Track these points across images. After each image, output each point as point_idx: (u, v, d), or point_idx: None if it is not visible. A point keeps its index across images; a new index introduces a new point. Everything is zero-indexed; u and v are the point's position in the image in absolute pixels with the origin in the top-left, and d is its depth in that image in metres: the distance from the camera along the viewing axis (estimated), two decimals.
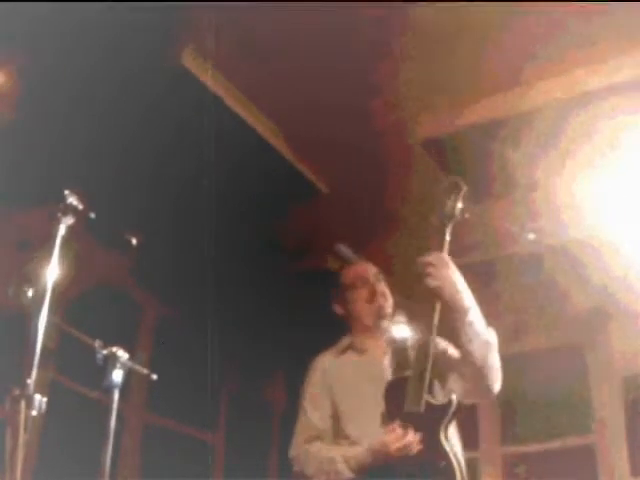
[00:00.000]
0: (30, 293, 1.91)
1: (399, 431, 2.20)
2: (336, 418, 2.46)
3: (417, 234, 2.48)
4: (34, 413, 1.81)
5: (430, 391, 2.27)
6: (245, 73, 3.55)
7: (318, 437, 2.44)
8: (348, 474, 2.29)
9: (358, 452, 2.30)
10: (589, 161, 3.83)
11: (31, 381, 1.82)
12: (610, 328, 4.93)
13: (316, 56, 3.42)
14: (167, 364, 3.24)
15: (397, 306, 2.64)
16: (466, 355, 2.30)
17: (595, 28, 3.22)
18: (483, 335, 2.31)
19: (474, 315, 2.31)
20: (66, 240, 1.99)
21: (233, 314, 4.26)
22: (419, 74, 3.56)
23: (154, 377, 2.22)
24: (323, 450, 2.39)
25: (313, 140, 3.95)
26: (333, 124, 3.80)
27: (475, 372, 2.30)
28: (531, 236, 4.50)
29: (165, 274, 4.33)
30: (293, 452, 2.49)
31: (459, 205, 2.40)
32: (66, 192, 2.02)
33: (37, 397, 1.82)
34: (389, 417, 2.29)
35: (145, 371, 2.18)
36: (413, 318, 2.46)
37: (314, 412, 2.50)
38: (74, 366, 3.37)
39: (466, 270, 2.39)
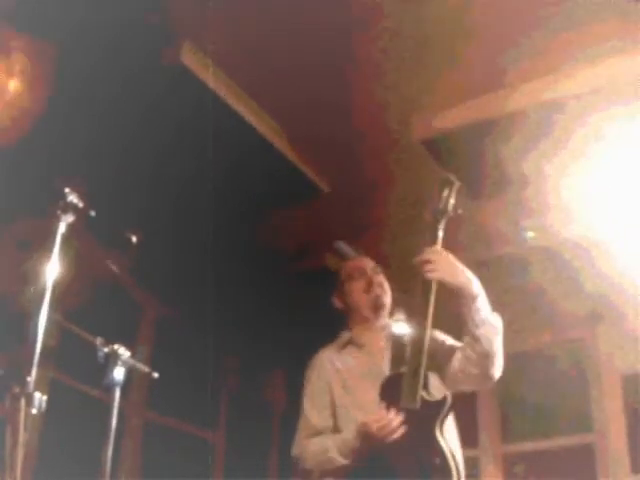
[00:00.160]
0: (31, 291, 1.91)
1: (381, 412, 2.21)
2: (335, 414, 2.47)
3: (415, 231, 2.49)
4: (34, 411, 1.82)
5: (425, 387, 2.28)
6: (245, 71, 3.55)
7: (318, 434, 2.45)
8: (341, 461, 2.30)
9: (346, 437, 2.32)
10: (583, 161, 3.85)
11: (31, 379, 1.82)
12: (609, 326, 4.93)
13: (316, 55, 3.42)
14: (168, 363, 3.24)
15: (395, 302, 2.66)
16: (474, 340, 2.32)
17: (583, 27, 3.25)
18: (490, 320, 2.34)
19: (482, 301, 2.34)
20: (66, 238, 1.99)
21: (233, 313, 4.26)
22: (419, 74, 3.57)
23: (155, 375, 2.23)
24: (318, 442, 2.40)
25: (313, 139, 3.95)
26: (333, 123, 3.80)
27: (481, 357, 2.33)
28: (523, 235, 4.52)
29: (165, 273, 4.33)
30: (295, 450, 2.50)
31: (452, 201, 2.41)
32: (66, 190, 2.02)
33: (37, 395, 1.83)
34: None
35: (146, 369, 2.19)
36: (411, 313, 2.47)
37: (313, 410, 2.51)
38: (75, 364, 3.37)
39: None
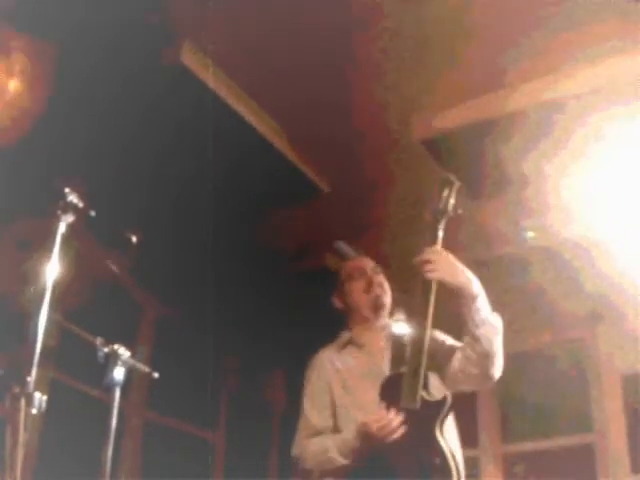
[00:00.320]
0: (31, 291, 1.91)
1: (381, 412, 2.21)
2: (335, 414, 2.47)
3: (415, 231, 2.49)
4: (34, 411, 1.81)
5: (425, 387, 2.28)
6: (245, 71, 3.55)
7: (318, 434, 2.45)
8: (341, 461, 2.30)
9: (346, 437, 2.32)
10: (583, 161, 3.85)
11: (31, 379, 1.82)
12: (609, 326, 4.94)
13: (316, 55, 3.42)
14: (168, 363, 3.24)
15: (396, 303, 2.65)
16: (474, 340, 2.32)
17: (583, 27, 3.25)
18: (490, 320, 2.34)
19: (482, 301, 2.34)
20: (66, 238, 1.99)
21: (233, 313, 4.26)
22: (419, 74, 3.57)
23: (155, 375, 2.23)
24: (318, 442, 2.40)
25: (313, 139, 3.95)
26: (333, 123, 3.80)
27: (481, 357, 2.33)
28: (523, 235, 4.52)
29: (165, 273, 4.33)
30: (295, 450, 2.50)
31: (452, 201, 2.41)
32: (66, 190, 2.02)
33: (37, 395, 1.82)
34: None
35: (146, 369, 2.19)
36: (411, 313, 2.47)
37: (313, 410, 2.51)
38: (75, 364, 3.37)
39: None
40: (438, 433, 2.24)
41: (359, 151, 4.04)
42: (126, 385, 2.09)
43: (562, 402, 5.08)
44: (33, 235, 2.88)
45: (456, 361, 2.39)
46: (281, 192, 4.25)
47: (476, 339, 2.32)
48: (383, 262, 2.73)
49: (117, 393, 2.06)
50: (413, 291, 2.36)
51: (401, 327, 2.58)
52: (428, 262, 2.32)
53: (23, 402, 1.80)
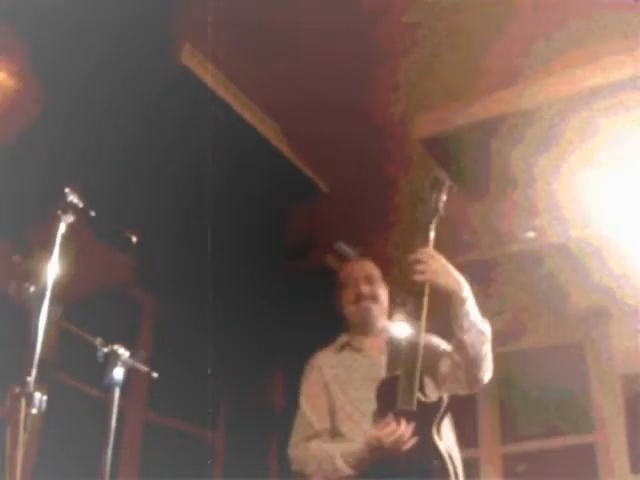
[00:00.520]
0: (31, 291, 1.91)
1: (392, 425, 2.20)
2: (332, 416, 2.46)
3: (416, 232, 2.49)
4: (34, 411, 1.81)
5: (421, 389, 2.28)
6: (245, 71, 3.55)
7: (316, 435, 2.44)
8: (347, 471, 2.29)
9: (355, 449, 2.30)
10: (589, 158, 3.84)
11: (31, 379, 1.82)
12: (610, 326, 4.93)
13: (317, 55, 3.42)
14: (167, 362, 3.24)
15: (396, 305, 2.65)
16: (461, 345, 2.32)
17: (595, 27, 3.24)
18: (479, 326, 2.33)
19: (470, 305, 2.32)
20: (66, 238, 1.99)
21: (233, 313, 4.26)
22: (419, 72, 3.56)
23: (155, 375, 2.22)
24: (321, 448, 2.39)
25: (313, 138, 3.95)
26: (334, 123, 3.80)
27: (469, 362, 2.32)
28: (531, 234, 4.51)
29: (165, 272, 4.33)
30: (291, 451, 2.49)
31: (442, 200, 2.40)
32: (66, 190, 2.02)
33: (37, 395, 1.82)
34: (381, 416, 2.29)
35: (146, 369, 2.18)
36: (406, 316, 2.46)
37: (311, 410, 2.50)
38: (74, 364, 3.37)
39: (466, 268, 2.40)
40: (435, 435, 2.24)
41: (359, 150, 4.04)
42: (126, 385, 2.09)
43: (563, 402, 5.08)
44: (33, 235, 2.88)
45: (445, 366, 2.38)
46: (281, 192, 4.24)
47: (463, 344, 2.31)
48: (384, 263, 2.73)
49: (117, 393, 2.06)
50: (407, 293, 2.36)
51: (400, 329, 2.57)
52: (417, 262, 2.31)
53: (23, 402, 1.80)
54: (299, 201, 4.39)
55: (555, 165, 3.91)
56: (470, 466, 2.34)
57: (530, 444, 5.14)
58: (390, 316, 2.66)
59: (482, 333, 2.33)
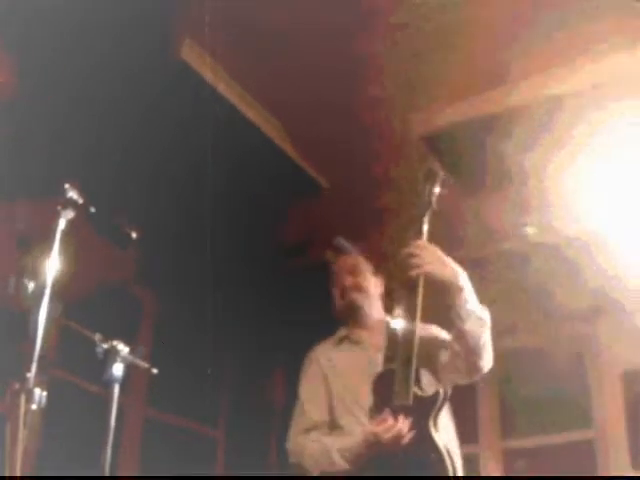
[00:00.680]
0: (30, 287, 1.91)
1: (390, 421, 2.20)
2: (331, 408, 2.46)
3: (410, 224, 2.48)
4: (34, 407, 1.82)
5: (418, 383, 2.27)
6: (246, 69, 3.55)
7: (314, 427, 2.45)
8: (343, 465, 2.29)
9: (353, 443, 2.30)
10: (581, 154, 3.85)
11: (31, 375, 1.82)
12: (609, 323, 4.93)
13: (317, 53, 3.42)
14: (167, 359, 3.24)
15: (395, 298, 2.65)
16: (461, 334, 2.31)
17: (583, 23, 3.24)
18: (477, 313, 2.32)
19: (468, 294, 2.31)
20: (66, 234, 1.99)
21: (233, 310, 4.26)
22: (419, 71, 3.57)
23: (154, 371, 2.22)
24: (319, 441, 2.39)
25: (314, 135, 3.95)
26: (334, 120, 3.80)
27: (469, 350, 2.32)
28: (524, 231, 4.52)
29: (165, 270, 4.33)
30: (289, 444, 2.49)
31: (436, 193, 2.40)
32: (66, 186, 2.02)
33: (37, 391, 1.83)
34: (377, 410, 2.29)
35: (145, 365, 2.18)
36: (402, 308, 2.46)
37: (310, 403, 2.51)
38: (74, 360, 3.38)
39: (461, 264, 2.39)
40: (432, 428, 2.23)
41: (359, 146, 4.04)
42: (125, 381, 2.09)
43: (562, 398, 5.08)
44: (33, 231, 2.88)
45: (445, 355, 2.38)
46: (281, 189, 4.24)
47: (462, 333, 2.30)
48: (383, 259, 2.73)
49: (116, 389, 2.06)
50: (402, 286, 2.36)
51: (398, 323, 2.57)
52: (411, 255, 2.31)
53: (23, 398, 1.80)
54: (299, 197, 4.39)
55: (549, 163, 3.92)
56: (470, 462, 2.34)
57: (530, 440, 5.14)
58: (388, 310, 2.66)
59: (481, 320, 2.32)
